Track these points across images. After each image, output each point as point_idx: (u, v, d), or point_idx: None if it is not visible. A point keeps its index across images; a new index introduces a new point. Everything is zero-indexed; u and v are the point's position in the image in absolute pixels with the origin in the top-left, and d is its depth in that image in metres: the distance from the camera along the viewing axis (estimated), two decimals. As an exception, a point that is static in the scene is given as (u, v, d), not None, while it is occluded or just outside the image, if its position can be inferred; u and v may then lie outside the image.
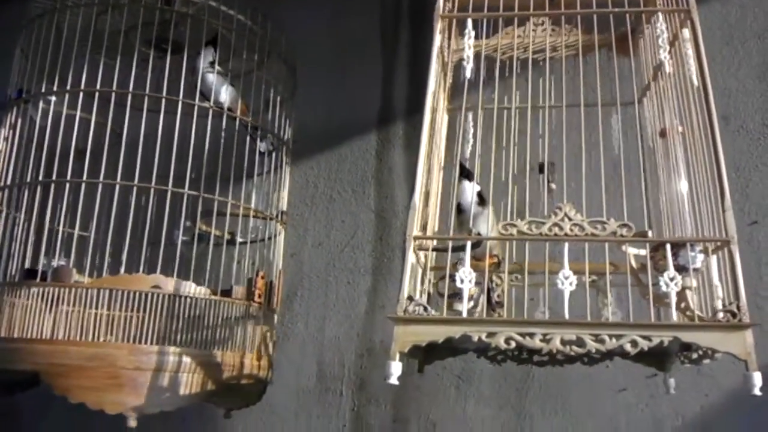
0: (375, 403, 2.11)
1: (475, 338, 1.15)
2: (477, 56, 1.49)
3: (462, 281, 1.19)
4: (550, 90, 1.53)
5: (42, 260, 1.49)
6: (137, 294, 1.47)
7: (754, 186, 1.92)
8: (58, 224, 1.55)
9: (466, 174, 1.48)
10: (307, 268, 2.28)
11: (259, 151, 1.82)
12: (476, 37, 1.47)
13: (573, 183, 1.28)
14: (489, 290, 1.43)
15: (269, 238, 1.81)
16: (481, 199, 1.46)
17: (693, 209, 1.32)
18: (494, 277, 1.49)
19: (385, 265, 2.22)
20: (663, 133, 1.52)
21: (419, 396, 2.06)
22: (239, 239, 1.73)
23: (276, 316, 1.78)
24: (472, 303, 1.34)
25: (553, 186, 1.50)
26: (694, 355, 1.34)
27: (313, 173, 2.35)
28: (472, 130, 1.70)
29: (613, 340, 1.11)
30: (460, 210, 1.45)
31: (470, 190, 1.46)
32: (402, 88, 2.34)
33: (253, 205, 1.71)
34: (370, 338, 2.17)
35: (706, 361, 1.31)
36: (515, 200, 1.47)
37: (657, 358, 1.55)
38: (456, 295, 1.33)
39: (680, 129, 1.42)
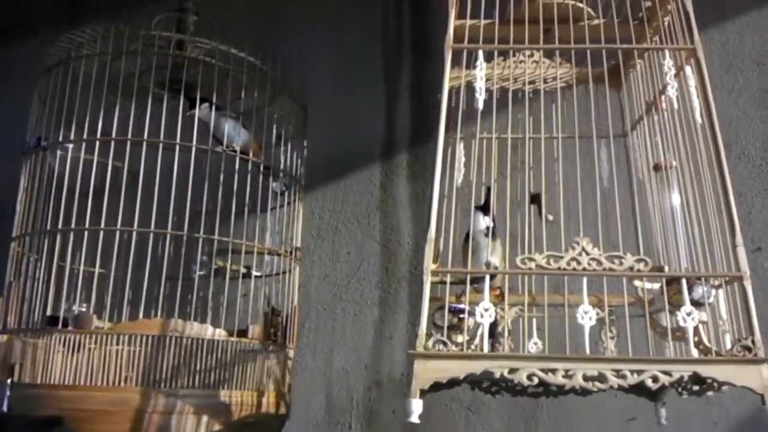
0: (384, 436, 2.12)
1: (497, 374, 1.16)
2: (469, 85, 1.51)
3: (481, 315, 1.20)
4: (557, 120, 1.56)
5: (63, 306, 1.51)
6: (156, 338, 1.48)
7: (757, 213, 1.96)
8: (78, 269, 1.56)
9: (483, 206, 1.50)
10: (314, 300, 2.29)
11: (273, 191, 1.85)
12: (468, 67, 1.50)
13: (575, 214, 1.31)
14: (494, 323, 1.44)
15: (283, 273, 1.83)
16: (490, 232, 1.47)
17: (702, 242, 1.34)
18: (499, 309, 1.50)
19: (392, 297, 2.23)
20: (657, 167, 1.55)
21: (428, 428, 2.06)
22: (255, 273, 1.75)
23: (292, 352, 1.80)
24: (468, 336, 1.36)
25: (550, 217, 1.52)
26: (696, 387, 1.36)
27: (318, 205, 2.36)
28: (464, 159, 1.71)
29: (635, 375, 1.13)
30: (467, 239, 1.47)
31: (481, 222, 1.48)
32: (405, 119, 2.36)
33: (267, 244, 1.73)
34: (378, 370, 2.18)
35: (710, 393, 1.34)
36: (512, 230, 1.49)
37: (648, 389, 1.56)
38: (454, 327, 1.35)
39: (674, 163, 1.45)
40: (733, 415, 1.84)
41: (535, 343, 1.37)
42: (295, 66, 1.90)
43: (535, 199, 1.49)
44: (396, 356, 2.16)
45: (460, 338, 1.31)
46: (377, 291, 2.25)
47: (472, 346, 1.32)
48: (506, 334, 1.51)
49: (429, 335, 1.21)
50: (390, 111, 2.38)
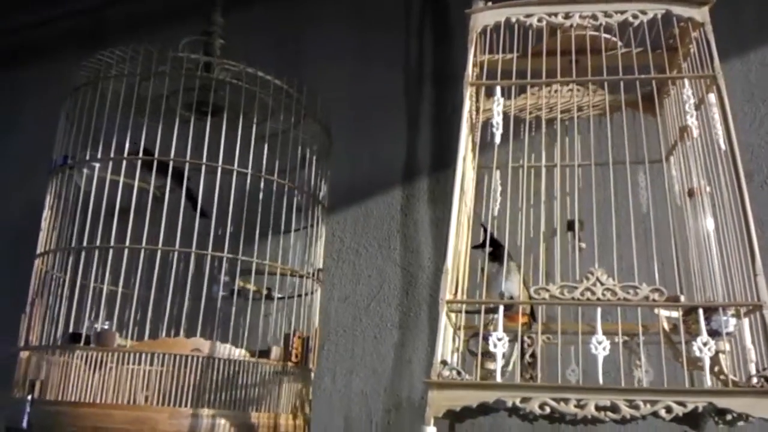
0: (403, 460, 2.12)
1: (509, 403, 1.17)
2: (505, 116, 1.54)
3: (495, 345, 1.21)
4: (579, 148, 1.57)
5: (85, 323, 1.53)
6: (177, 357, 1.50)
7: (779, 242, 1.93)
8: (101, 287, 1.59)
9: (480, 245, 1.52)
10: (334, 322, 2.29)
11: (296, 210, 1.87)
12: (503, 96, 1.52)
13: (601, 242, 1.32)
14: (522, 350, 1.44)
15: (306, 295, 1.84)
16: (494, 257, 1.48)
17: (723, 271, 1.34)
18: (526, 337, 1.51)
19: (412, 320, 2.24)
20: (691, 193, 1.55)
21: (448, 452, 2.06)
22: (277, 295, 1.77)
23: (312, 375, 1.81)
24: (503, 361, 1.36)
25: (583, 245, 1.54)
26: (729, 417, 1.35)
27: (339, 228, 2.38)
28: (499, 189, 1.73)
29: (648, 405, 1.13)
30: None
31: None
32: (426, 143, 2.38)
33: (290, 264, 1.75)
34: (397, 393, 2.18)
35: (741, 423, 1.32)
36: (544, 259, 1.50)
37: (690, 418, 1.55)
38: (488, 353, 1.36)
39: (708, 189, 1.45)
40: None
41: (573, 371, 1.38)
42: (315, 88, 1.93)
43: (570, 226, 1.50)
44: (416, 379, 2.16)
45: (491, 366, 1.32)
46: (397, 314, 2.25)
47: (507, 372, 1.33)
48: (517, 361, 1.51)
49: (444, 363, 1.22)
50: (411, 136, 2.40)
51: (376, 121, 2.42)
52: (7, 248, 2.64)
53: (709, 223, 1.46)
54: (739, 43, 2.11)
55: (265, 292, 1.81)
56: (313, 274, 1.87)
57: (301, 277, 1.83)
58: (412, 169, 2.36)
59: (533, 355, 1.52)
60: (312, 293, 1.87)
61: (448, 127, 2.35)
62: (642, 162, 1.44)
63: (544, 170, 1.58)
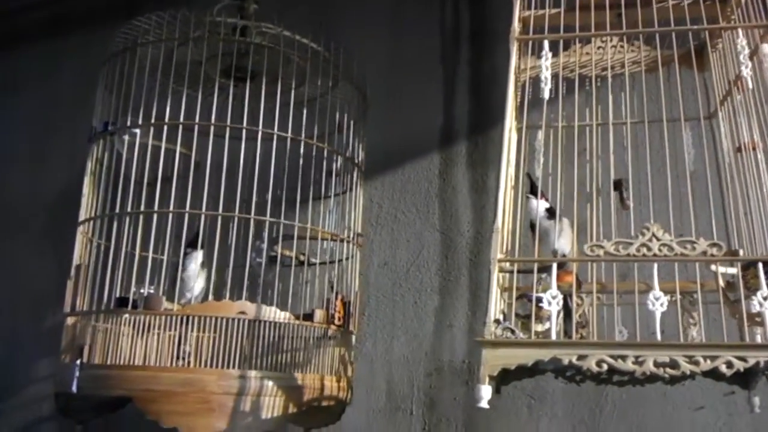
0: (446, 422, 2.11)
1: (566, 361, 1.15)
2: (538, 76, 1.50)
3: (549, 303, 1.19)
4: (625, 106, 1.53)
5: (133, 288, 1.54)
6: (224, 320, 1.50)
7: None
8: (146, 253, 1.59)
9: (532, 191, 1.49)
10: (374, 288, 2.29)
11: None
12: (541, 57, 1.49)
13: (644, 200, 1.29)
14: (570, 311, 1.42)
15: (346, 259, 1.84)
16: (551, 213, 1.46)
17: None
18: (575, 298, 1.49)
19: (452, 284, 2.22)
20: (740, 148, 1.51)
21: (491, 415, 2.05)
22: (317, 261, 1.76)
23: (354, 337, 1.80)
24: (548, 324, 1.34)
25: (630, 203, 1.50)
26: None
27: (377, 194, 2.36)
28: (542, 149, 1.70)
29: (708, 361, 1.11)
30: (532, 227, 1.46)
31: (536, 205, 1.47)
32: (464, 107, 2.35)
33: (330, 228, 1.74)
34: (438, 358, 2.17)
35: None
36: (590, 218, 1.47)
37: (740, 377, 1.53)
38: (530, 315, 1.34)
39: (761, 144, 1.41)
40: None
41: (621, 332, 1.36)
42: (350, 52, 1.91)
43: (617, 185, 1.47)
44: (456, 344, 2.15)
45: (539, 327, 1.30)
46: (437, 278, 2.24)
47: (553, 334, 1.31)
48: (574, 320, 1.49)
49: (497, 322, 1.20)
50: (448, 100, 2.37)
51: (411, 85, 2.40)
52: (51, 217, 2.66)
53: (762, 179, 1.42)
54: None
55: (302, 258, 1.81)
56: (353, 238, 1.86)
57: (342, 241, 1.83)
58: (450, 133, 2.34)
59: (582, 317, 1.50)
60: (352, 257, 1.86)
61: (486, 89, 2.32)
62: (696, 118, 1.40)
63: (595, 129, 1.54)
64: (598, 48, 1.65)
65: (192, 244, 1.67)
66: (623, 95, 1.51)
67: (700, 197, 1.31)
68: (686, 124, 1.51)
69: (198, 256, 1.70)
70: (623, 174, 1.46)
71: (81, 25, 2.86)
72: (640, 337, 1.20)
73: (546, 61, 1.41)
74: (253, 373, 1.50)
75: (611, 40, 1.65)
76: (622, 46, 1.65)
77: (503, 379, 1.64)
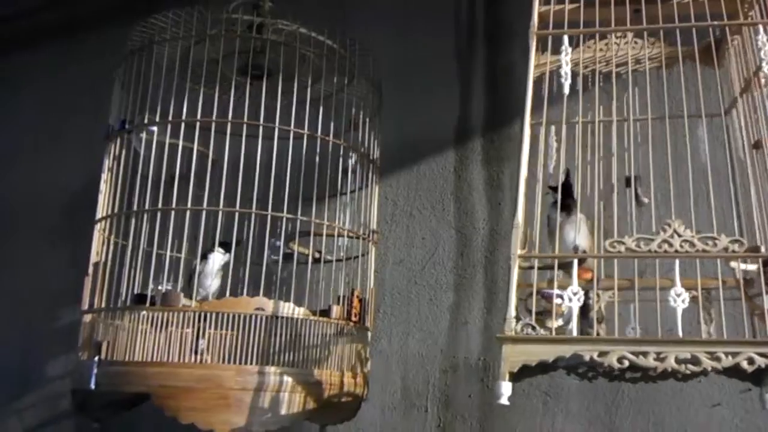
0: (461, 419, 2.11)
1: (587, 357, 1.15)
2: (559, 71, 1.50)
3: (570, 299, 1.19)
4: (635, 102, 1.53)
5: (150, 285, 1.54)
6: (241, 316, 1.50)
7: None
8: (163, 251, 1.60)
9: (554, 187, 1.49)
10: (389, 285, 2.29)
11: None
12: (556, 53, 1.48)
13: (661, 196, 1.28)
14: (586, 307, 1.42)
15: (362, 255, 1.84)
16: (564, 207, 1.45)
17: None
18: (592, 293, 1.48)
19: (467, 282, 2.22)
20: (757, 145, 1.50)
21: (506, 412, 2.04)
22: (333, 258, 1.76)
23: (369, 334, 1.81)
24: (561, 321, 1.34)
25: (645, 200, 1.50)
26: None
27: (392, 191, 2.36)
28: (555, 145, 1.70)
29: (729, 357, 1.10)
30: (549, 222, 1.45)
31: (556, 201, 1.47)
32: (479, 104, 2.34)
33: (346, 225, 1.74)
34: (453, 355, 2.17)
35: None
36: (604, 215, 1.46)
37: (753, 373, 1.52)
38: (544, 312, 1.34)
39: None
40: None
41: (633, 329, 1.35)
42: (365, 49, 1.90)
43: (629, 182, 1.46)
44: (472, 341, 2.15)
45: (551, 323, 1.29)
46: (452, 276, 2.24)
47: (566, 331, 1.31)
48: (593, 317, 1.48)
49: (517, 319, 1.20)
50: (463, 96, 2.36)
51: (426, 81, 2.39)
52: (68, 214, 2.67)
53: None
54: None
55: (317, 255, 1.81)
56: (369, 235, 1.85)
57: (358, 238, 1.83)
58: (465, 130, 2.33)
59: (598, 312, 1.49)
60: (368, 253, 1.86)
61: (502, 85, 2.31)
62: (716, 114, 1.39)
63: (614, 125, 1.54)
64: (615, 44, 1.65)
65: (224, 245, 1.68)
66: (635, 90, 1.50)
67: (717, 193, 1.30)
68: (703, 120, 1.50)
69: (224, 258, 1.71)
70: (638, 170, 1.46)
71: (96, 24, 2.87)
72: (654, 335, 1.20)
73: (566, 56, 1.40)
74: (271, 369, 1.51)
75: (625, 36, 1.64)
76: (635, 43, 1.64)
77: (516, 376, 1.64)
